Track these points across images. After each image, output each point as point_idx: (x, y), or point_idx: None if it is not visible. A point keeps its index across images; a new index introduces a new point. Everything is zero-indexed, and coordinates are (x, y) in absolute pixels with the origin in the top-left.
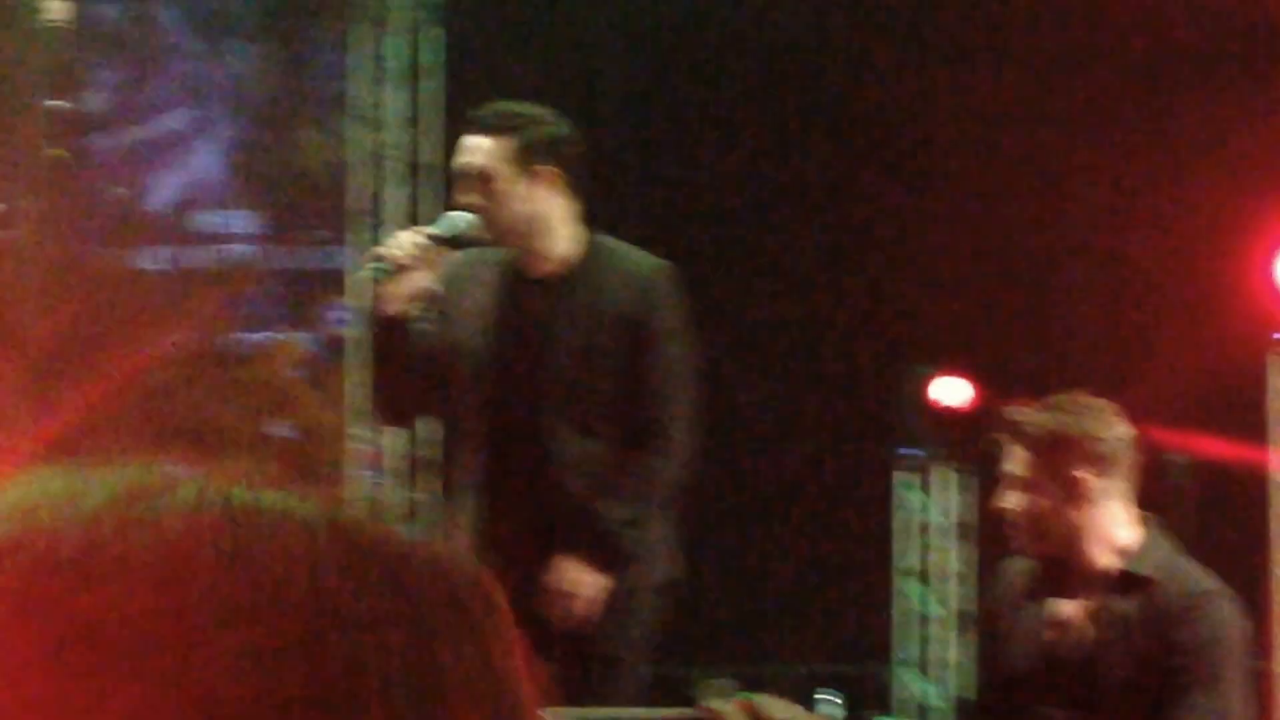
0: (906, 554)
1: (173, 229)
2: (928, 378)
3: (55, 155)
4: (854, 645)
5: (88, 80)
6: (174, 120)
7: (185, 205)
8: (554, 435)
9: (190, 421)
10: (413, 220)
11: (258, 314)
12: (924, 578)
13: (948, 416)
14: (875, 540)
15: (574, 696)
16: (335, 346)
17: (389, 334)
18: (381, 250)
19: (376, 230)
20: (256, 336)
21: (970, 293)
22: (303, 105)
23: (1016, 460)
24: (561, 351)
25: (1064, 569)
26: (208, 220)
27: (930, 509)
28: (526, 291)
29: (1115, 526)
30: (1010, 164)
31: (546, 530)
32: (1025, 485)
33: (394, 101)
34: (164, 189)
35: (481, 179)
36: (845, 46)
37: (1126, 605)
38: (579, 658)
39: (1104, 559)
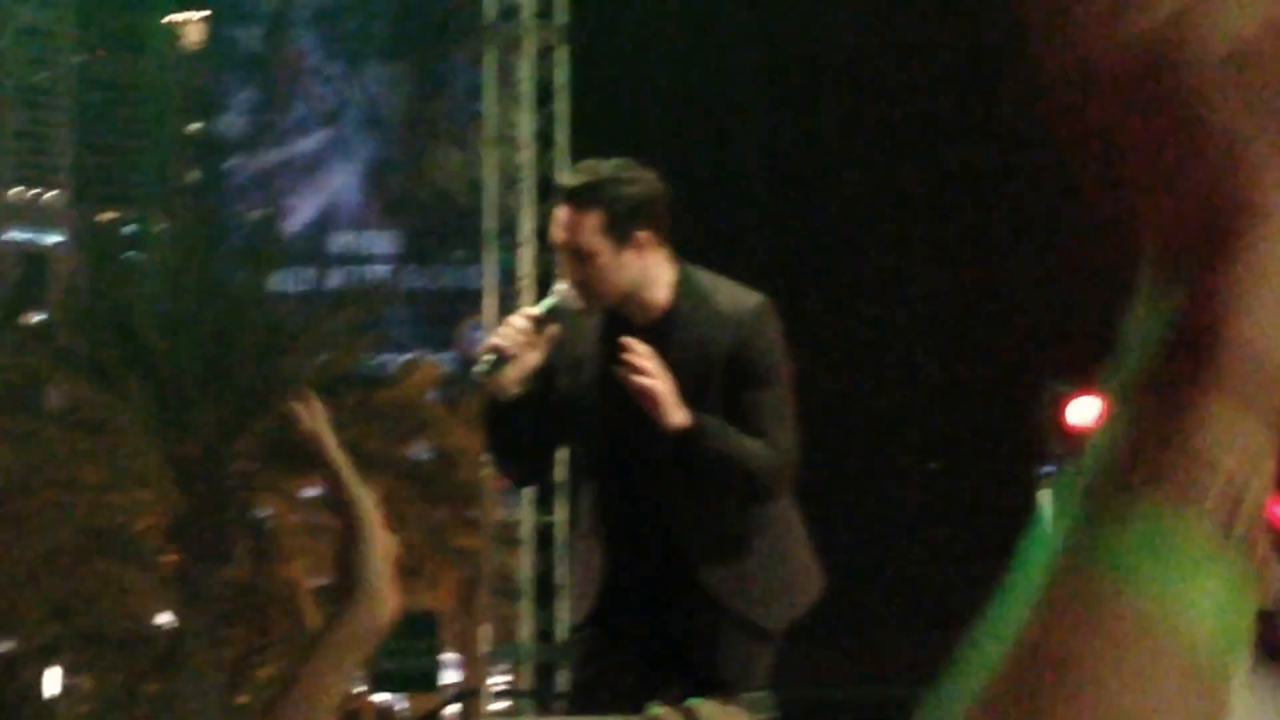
0: None
1: (310, 251)
2: (1065, 397)
3: (192, 178)
4: None
5: (225, 104)
6: (311, 142)
7: (323, 227)
8: (666, 485)
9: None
10: (542, 240)
11: (395, 335)
12: None
13: (1083, 435)
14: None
15: None
16: (473, 367)
17: (506, 418)
18: (493, 342)
19: (512, 250)
20: (394, 358)
21: (1108, 311)
22: (438, 126)
23: None
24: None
25: None
26: (345, 242)
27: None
28: (618, 336)
29: None
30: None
31: (664, 585)
32: None
33: (526, 122)
34: (301, 211)
35: (580, 256)
36: (981, 63)
37: None
38: (704, 679)
39: None
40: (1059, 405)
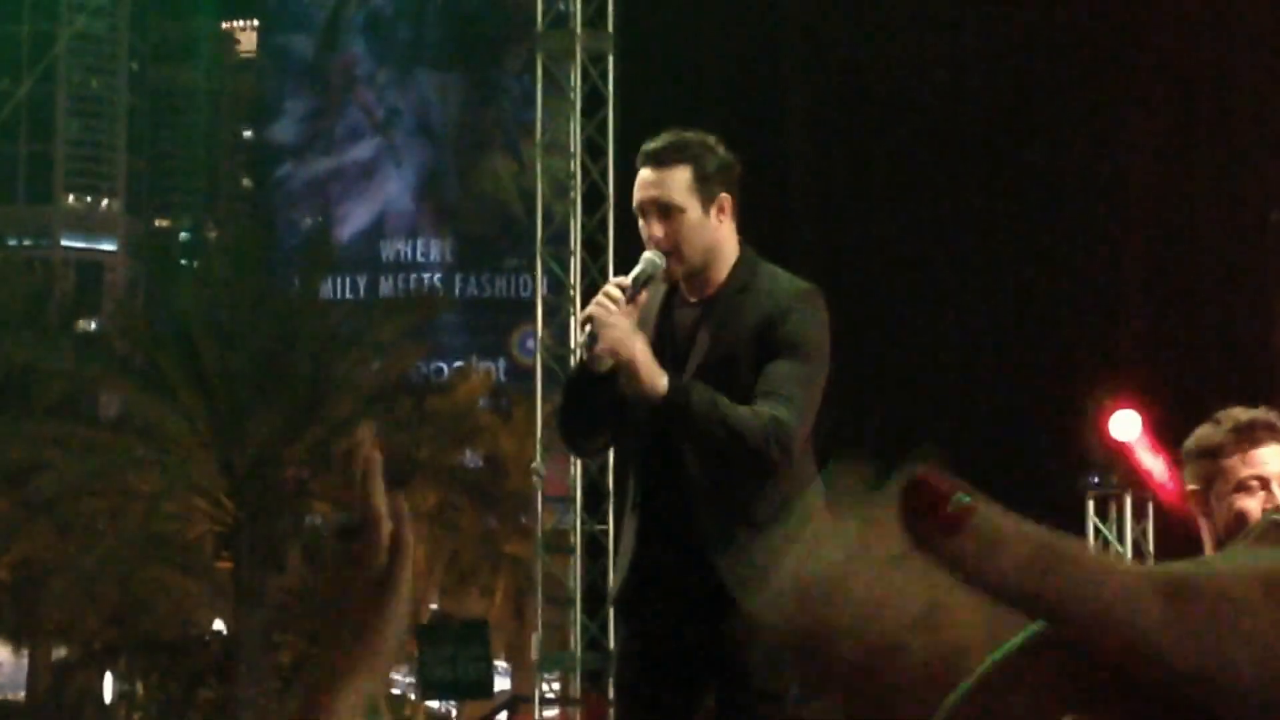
0: None
1: (362, 258)
2: (1105, 411)
3: (245, 186)
4: None
5: (278, 111)
6: (363, 150)
7: (375, 234)
8: (689, 468)
9: (382, 452)
10: (592, 248)
11: (447, 343)
12: None
13: (1122, 448)
14: None
15: None
16: (524, 375)
17: (595, 390)
18: (591, 311)
19: (563, 259)
20: (446, 365)
21: (1151, 329)
22: (489, 134)
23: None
24: (694, 372)
25: None
26: (397, 249)
27: (1106, 535)
28: (681, 316)
29: None
30: (1196, 210)
31: (682, 571)
32: None
33: (577, 130)
34: (354, 218)
35: (669, 212)
36: (1023, 87)
37: None
38: (735, 693)
39: None
40: (1100, 419)
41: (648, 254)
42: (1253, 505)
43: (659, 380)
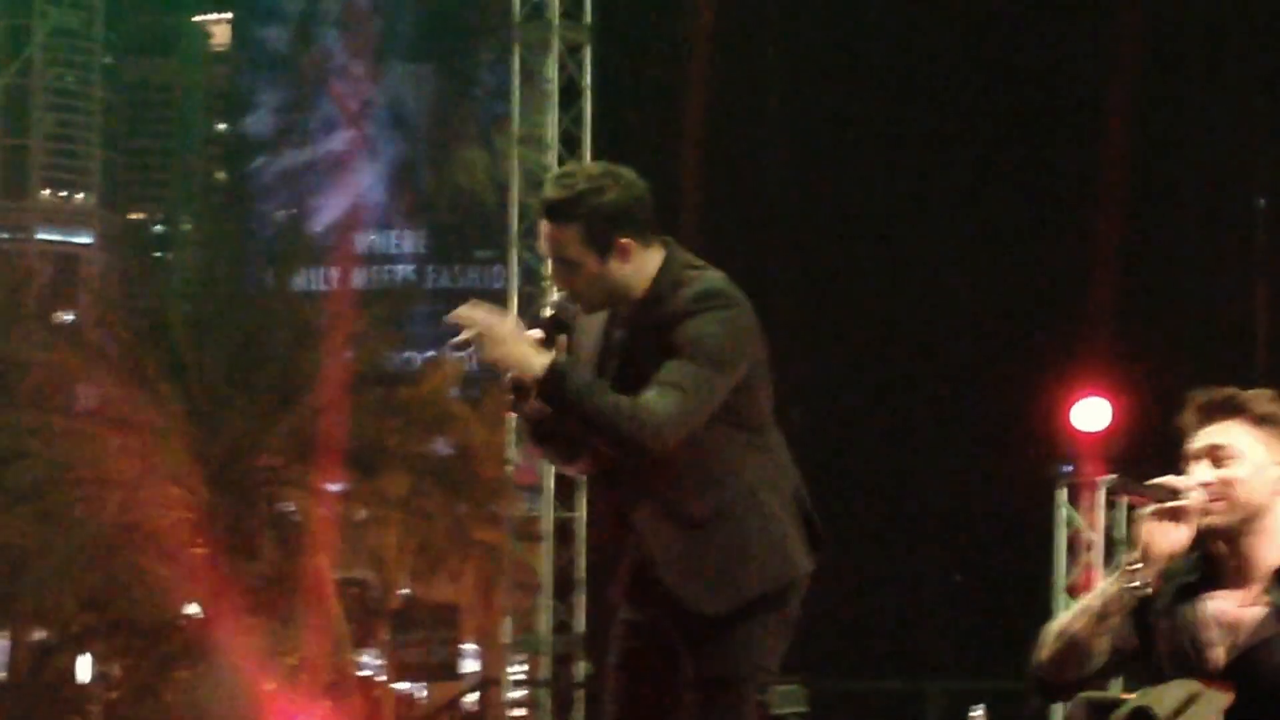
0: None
1: (335, 250)
2: (1071, 400)
3: (219, 178)
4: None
5: (252, 104)
6: (337, 143)
7: (348, 227)
8: (624, 467)
9: (352, 441)
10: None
11: (419, 333)
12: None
13: (1090, 436)
14: (1036, 555)
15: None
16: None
17: (551, 434)
18: (511, 374)
19: (536, 250)
20: (418, 356)
21: (1115, 320)
22: (464, 126)
23: (1230, 432)
24: (611, 375)
25: (1225, 562)
26: (370, 241)
27: (1078, 523)
28: (614, 335)
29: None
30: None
31: (630, 563)
32: (1240, 455)
33: (552, 122)
34: (327, 211)
35: (565, 265)
36: (994, 69)
37: None
38: (682, 679)
39: (1271, 553)
40: (1065, 409)
41: (554, 298)
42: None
43: (534, 363)
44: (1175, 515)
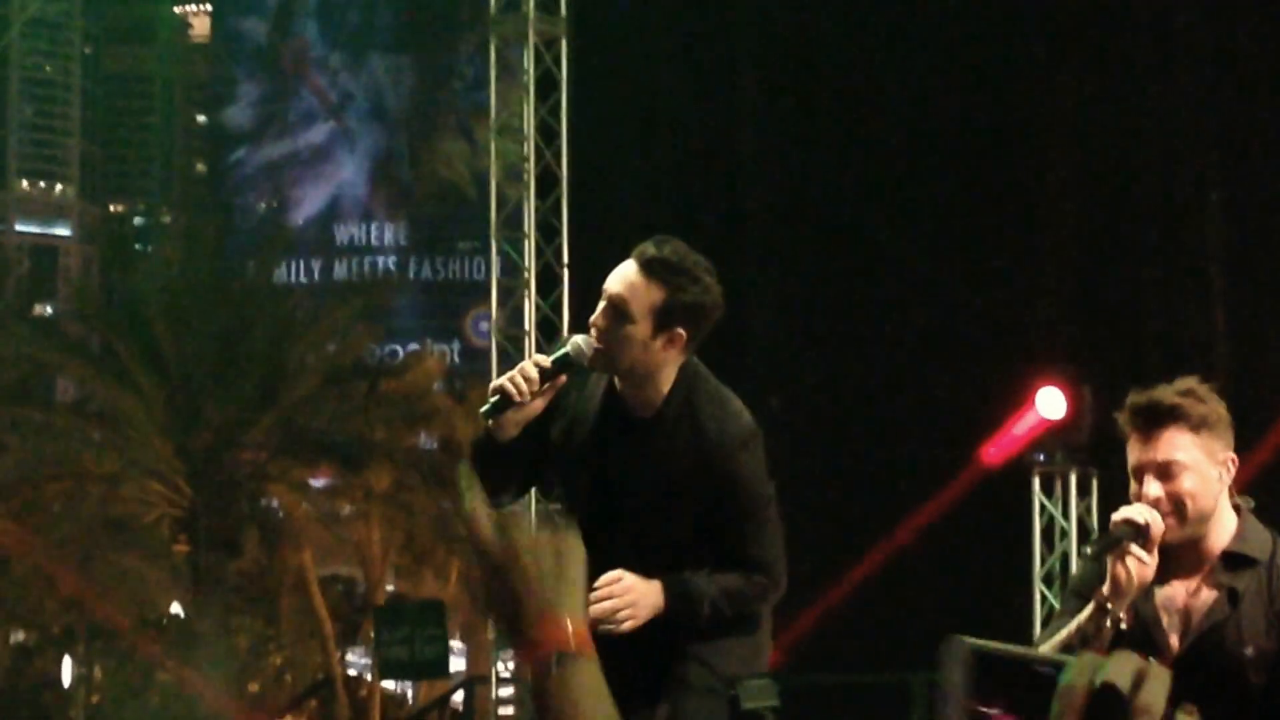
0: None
1: (316, 242)
2: (1033, 389)
3: (199, 170)
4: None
5: (232, 96)
6: (317, 134)
7: (328, 218)
8: (628, 557)
9: (334, 433)
10: (546, 231)
11: (401, 325)
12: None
13: (1052, 425)
14: (1016, 542)
15: None
16: (478, 357)
17: (499, 457)
18: (503, 384)
19: (517, 242)
20: (400, 348)
21: (1078, 309)
22: (443, 118)
23: (1174, 444)
24: (636, 497)
25: (1178, 552)
26: (351, 233)
27: (1052, 512)
28: (623, 430)
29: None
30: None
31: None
32: (1187, 468)
33: (530, 114)
34: (307, 202)
35: (619, 314)
36: (955, 71)
37: (1237, 583)
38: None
39: (1218, 538)
40: (1029, 397)
41: (577, 338)
42: (1135, 494)
43: (660, 600)
44: (1145, 547)
